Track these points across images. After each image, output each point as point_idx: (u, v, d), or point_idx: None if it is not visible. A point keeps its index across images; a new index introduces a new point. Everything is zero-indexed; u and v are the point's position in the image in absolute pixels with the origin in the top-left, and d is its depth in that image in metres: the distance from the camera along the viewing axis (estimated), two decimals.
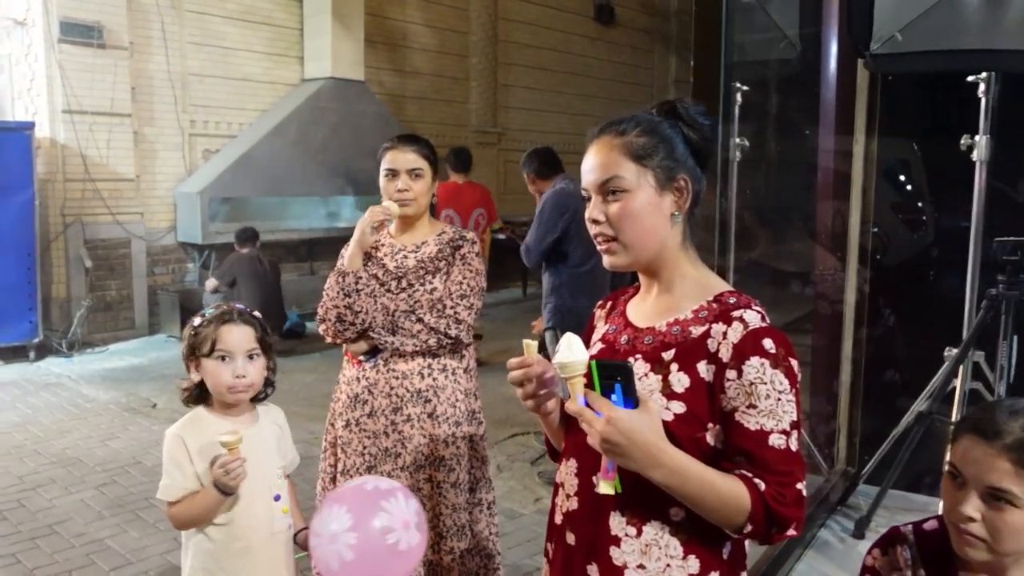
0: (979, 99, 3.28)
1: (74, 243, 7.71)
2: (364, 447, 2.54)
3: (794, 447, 1.28)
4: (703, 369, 1.31)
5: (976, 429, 1.36)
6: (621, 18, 13.82)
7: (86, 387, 6.55)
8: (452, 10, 11.19)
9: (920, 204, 4.59)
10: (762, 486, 1.24)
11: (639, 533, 1.34)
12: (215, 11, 8.66)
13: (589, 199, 1.42)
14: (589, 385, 1.25)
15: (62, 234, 7.65)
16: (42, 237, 7.39)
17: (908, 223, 4.55)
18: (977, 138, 3.31)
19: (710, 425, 1.31)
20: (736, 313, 1.32)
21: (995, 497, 1.31)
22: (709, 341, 1.32)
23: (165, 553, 3.72)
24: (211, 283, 7.42)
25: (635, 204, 1.37)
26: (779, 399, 1.27)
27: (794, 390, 1.29)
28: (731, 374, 1.29)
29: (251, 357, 2.00)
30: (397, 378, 2.52)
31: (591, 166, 1.41)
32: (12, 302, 7.06)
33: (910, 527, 1.52)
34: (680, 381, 1.32)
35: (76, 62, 7.49)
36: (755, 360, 1.27)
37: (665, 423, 1.28)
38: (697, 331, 1.34)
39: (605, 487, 1.29)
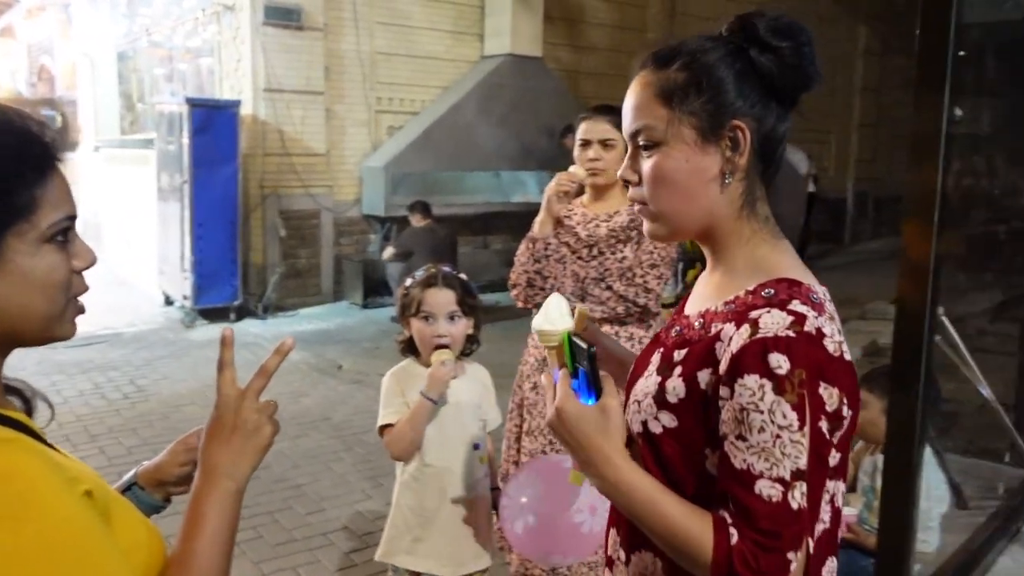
0: None
1: (271, 214, 8.27)
2: None
3: (795, 503, 0.95)
4: (703, 379, 1.04)
5: None
6: None
7: None
8: None
9: None
10: (734, 538, 0.96)
11: (627, 560, 1.15)
12: None
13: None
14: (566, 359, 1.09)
15: (260, 205, 8.22)
16: (244, 207, 7.97)
17: None
18: None
19: (707, 450, 1.04)
20: (755, 313, 1.01)
21: None
22: (717, 345, 1.04)
23: (354, 503, 3.97)
24: (388, 251, 7.76)
25: (666, 163, 1.09)
26: (778, 436, 0.95)
27: (806, 429, 0.96)
28: (724, 392, 1.00)
29: (452, 319, 2.13)
30: None
31: (624, 110, 1.14)
32: (218, 267, 7.68)
33: None
34: (675, 389, 1.07)
35: (277, 43, 7.99)
36: (751, 379, 0.97)
37: (654, 436, 1.08)
38: (715, 329, 1.06)
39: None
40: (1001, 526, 3.24)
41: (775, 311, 1.00)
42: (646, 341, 2.60)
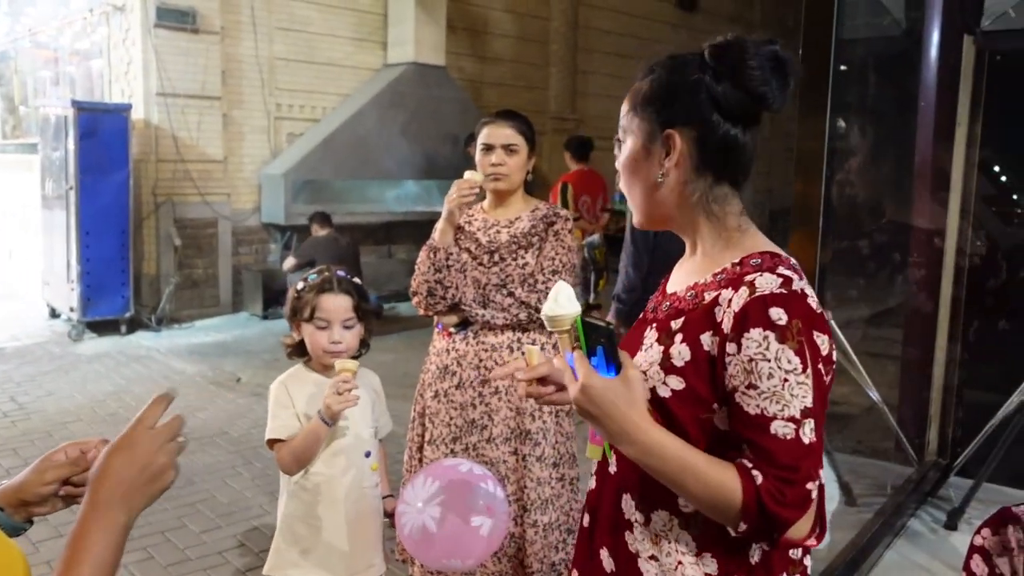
0: None
1: (165, 222, 7.97)
2: (451, 418, 2.57)
3: (806, 438, 1.07)
4: (706, 341, 1.15)
5: None
6: (703, 4, 13.61)
7: (174, 361, 6.78)
8: None
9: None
10: (759, 479, 1.05)
11: (647, 521, 1.22)
12: None
13: None
14: (578, 341, 1.16)
15: (154, 213, 7.92)
16: (135, 216, 7.65)
17: (1011, 212, 4.38)
18: None
19: (715, 406, 1.15)
20: (749, 277, 1.14)
21: None
22: (716, 309, 1.15)
23: (252, 519, 3.84)
24: (290, 261, 7.59)
25: (624, 154, 1.28)
26: (785, 380, 1.07)
27: (809, 371, 1.08)
28: (731, 348, 1.11)
29: (347, 327, 2.07)
30: (486, 350, 2.54)
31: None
32: (107, 277, 7.35)
33: (1023, 509, 1.48)
34: (681, 354, 1.17)
35: (170, 46, 7.72)
36: (756, 332, 1.09)
37: (663, 400, 1.16)
38: (709, 297, 1.18)
39: (591, 452, 1.22)
40: (887, 522, 3.37)
41: (766, 274, 1.13)
42: (549, 348, 2.60)
